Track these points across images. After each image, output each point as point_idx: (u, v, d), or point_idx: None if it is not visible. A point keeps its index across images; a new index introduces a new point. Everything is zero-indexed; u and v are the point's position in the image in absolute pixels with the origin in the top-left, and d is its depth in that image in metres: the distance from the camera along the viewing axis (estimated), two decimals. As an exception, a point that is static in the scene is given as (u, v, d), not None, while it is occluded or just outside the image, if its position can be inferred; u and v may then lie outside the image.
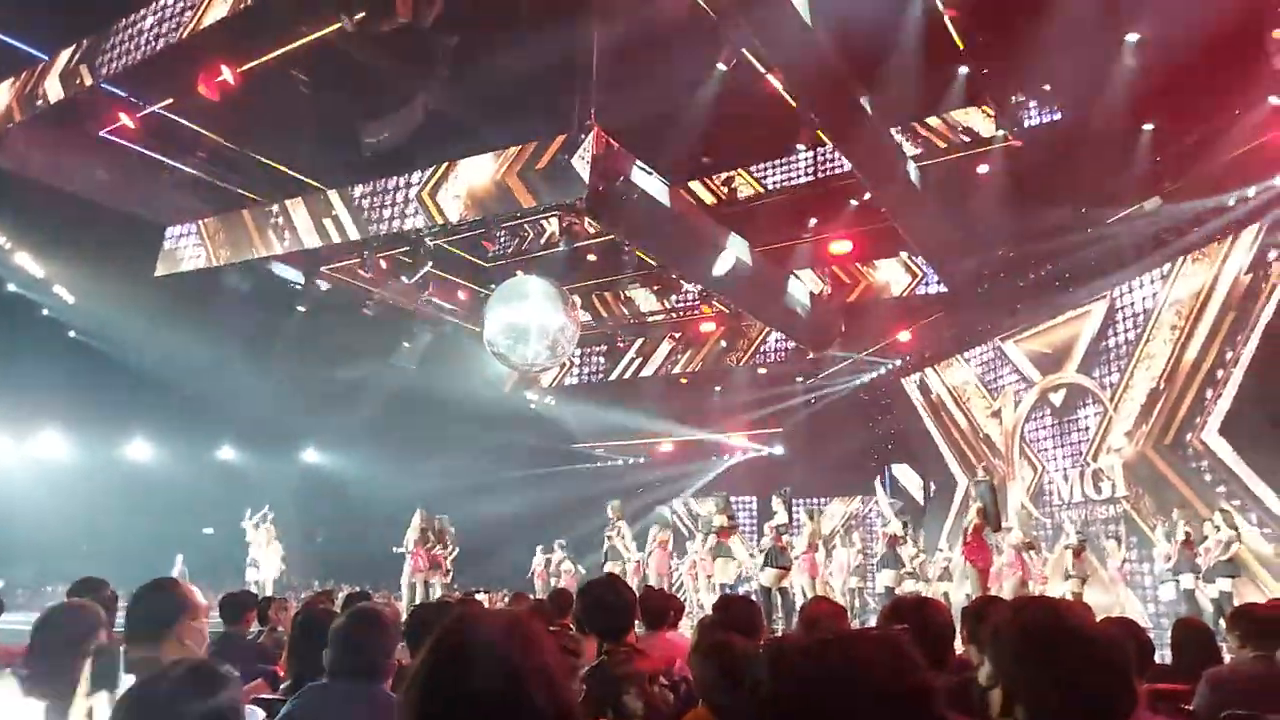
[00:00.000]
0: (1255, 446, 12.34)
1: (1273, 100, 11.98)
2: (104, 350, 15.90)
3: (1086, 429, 15.06)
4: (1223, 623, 9.14)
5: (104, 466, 17.54)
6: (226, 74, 11.83)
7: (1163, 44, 11.58)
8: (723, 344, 18.85)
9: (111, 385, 15.95)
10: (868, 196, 14.73)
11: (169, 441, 18.56)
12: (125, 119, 13.07)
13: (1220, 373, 12.91)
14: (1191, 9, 10.76)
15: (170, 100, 13.11)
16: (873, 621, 5.83)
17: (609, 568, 13.07)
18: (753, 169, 16.69)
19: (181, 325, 15.18)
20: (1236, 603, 10.04)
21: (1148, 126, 13.26)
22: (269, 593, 13.11)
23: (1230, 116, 12.53)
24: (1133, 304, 14.55)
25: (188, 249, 14.96)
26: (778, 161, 16.41)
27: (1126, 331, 14.57)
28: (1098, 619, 4.49)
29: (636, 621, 3.35)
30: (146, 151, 13.91)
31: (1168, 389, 13.68)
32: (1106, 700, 1.44)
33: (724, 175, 16.78)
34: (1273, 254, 12.53)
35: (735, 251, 13.40)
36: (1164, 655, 4.39)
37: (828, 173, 15.82)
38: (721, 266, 13.10)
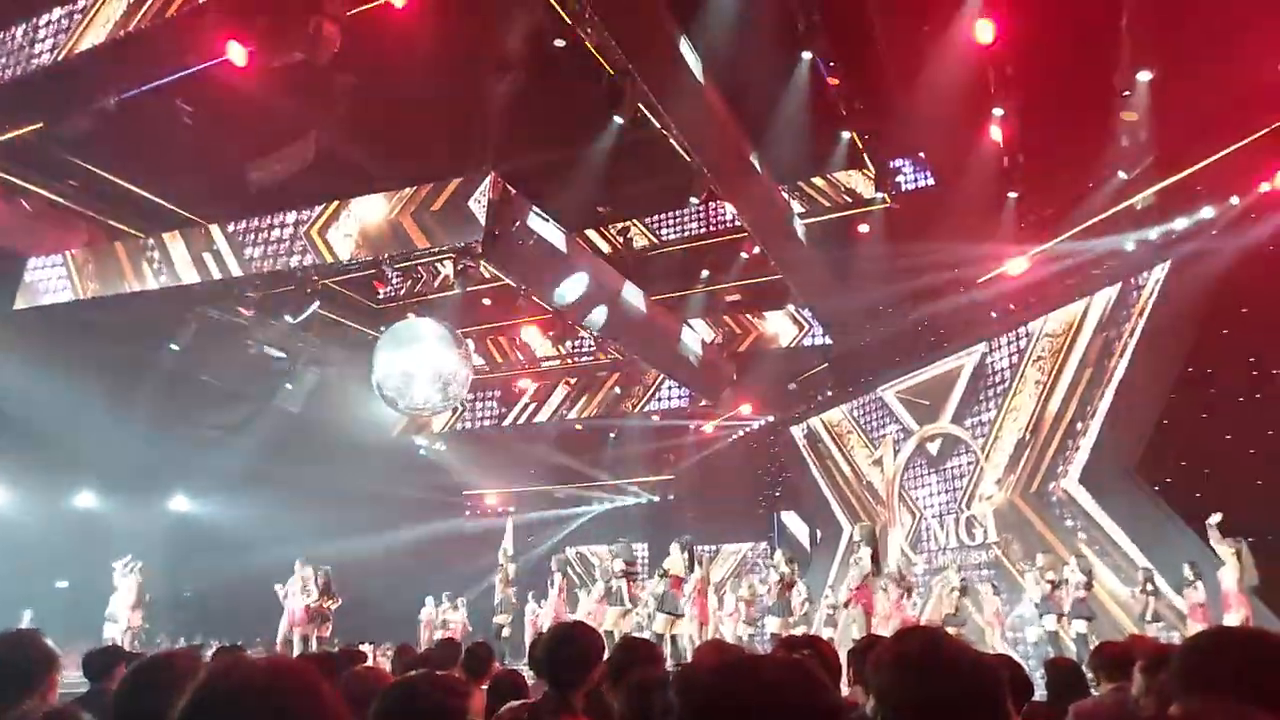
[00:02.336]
0: (1111, 495, 13.20)
1: (1122, 175, 13.09)
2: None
3: (961, 477, 15.78)
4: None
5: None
6: (104, 100, 11.31)
7: (1027, 118, 12.53)
8: (617, 390, 18.95)
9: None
10: (757, 250, 15.23)
11: (20, 486, 17.17)
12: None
13: (1080, 425, 13.81)
14: (1049, 90, 11.73)
15: (39, 124, 12.42)
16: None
17: (502, 619, 12.80)
18: (648, 220, 17.01)
19: (39, 360, 14.18)
20: (1093, 641, 10.66)
21: (1012, 195, 14.23)
22: (127, 648, 12.23)
23: (1085, 188, 13.62)
24: (1000, 359, 15.45)
25: (51, 281, 14.10)
26: (673, 213, 16.79)
27: (995, 385, 15.44)
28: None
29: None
30: (8, 176, 13.09)
31: (1033, 440, 14.52)
32: None
33: (620, 225, 17.05)
34: (1124, 313, 13.57)
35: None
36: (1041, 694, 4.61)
37: (720, 226, 16.29)
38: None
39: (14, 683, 2.32)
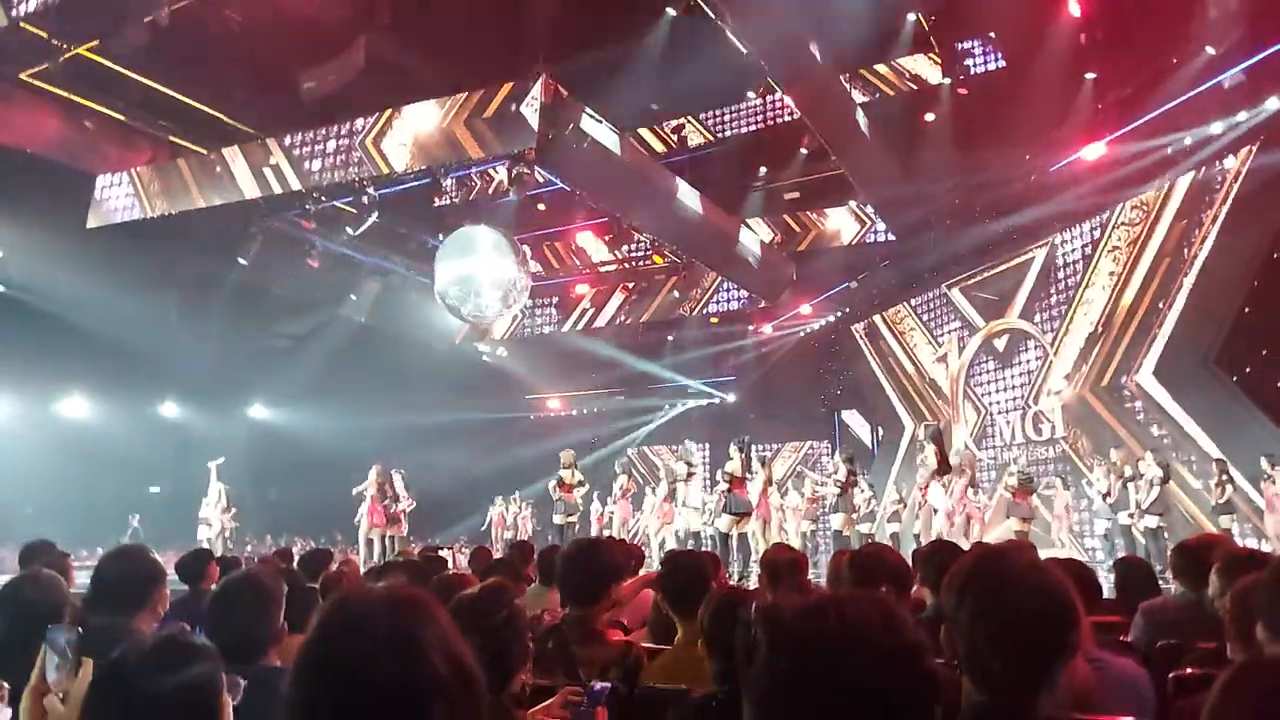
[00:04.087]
0: (1187, 388, 12.85)
1: (1209, 50, 12.21)
2: (36, 304, 15.31)
3: (1028, 372, 15.50)
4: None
5: (42, 425, 17.04)
6: (157, 12, 11.28)
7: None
8: (675, 294, 18.87)
9: (46, 340, 15.41)
10: (817, 144, 14.75)
11: (108, 398, 18.04)
12: (46, 62, 12.41)
13: (1155, 317, 13.35)
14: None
15: (95, 41, 12.47)
16: (825, 562, 6.00)
17: (559, 519, 13.18)
18: (703, 116, 16.55)
19: (117, 278, 14.67)
20: (1164, 537, 10.58)
21: (1090, 75, 13.43)
22: (220, 550, 13.01)
23: (1169, 66, 12.76)
24: (1073, 250, 14.91)
25: (120, 199, 14.42)
26: (729, 108, 16.29)
27: (1067, 277, 14.95)
28: (1041, 556, 4.70)
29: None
30: (71, 96, 13.26)
31: (1105, 333, 14.12)
32: (1054, 646, 1.52)
33: (674, 123, 16.63)
34: (1206, 200, 12.91)
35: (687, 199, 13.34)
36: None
37: (778, 120, 15.77)
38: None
39: (127, 598, 2.46)
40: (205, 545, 12.88)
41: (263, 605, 2.39)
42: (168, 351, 16.78)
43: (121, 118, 13.83)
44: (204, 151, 13.78)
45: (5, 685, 1.64)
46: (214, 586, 5.00)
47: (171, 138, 14.30)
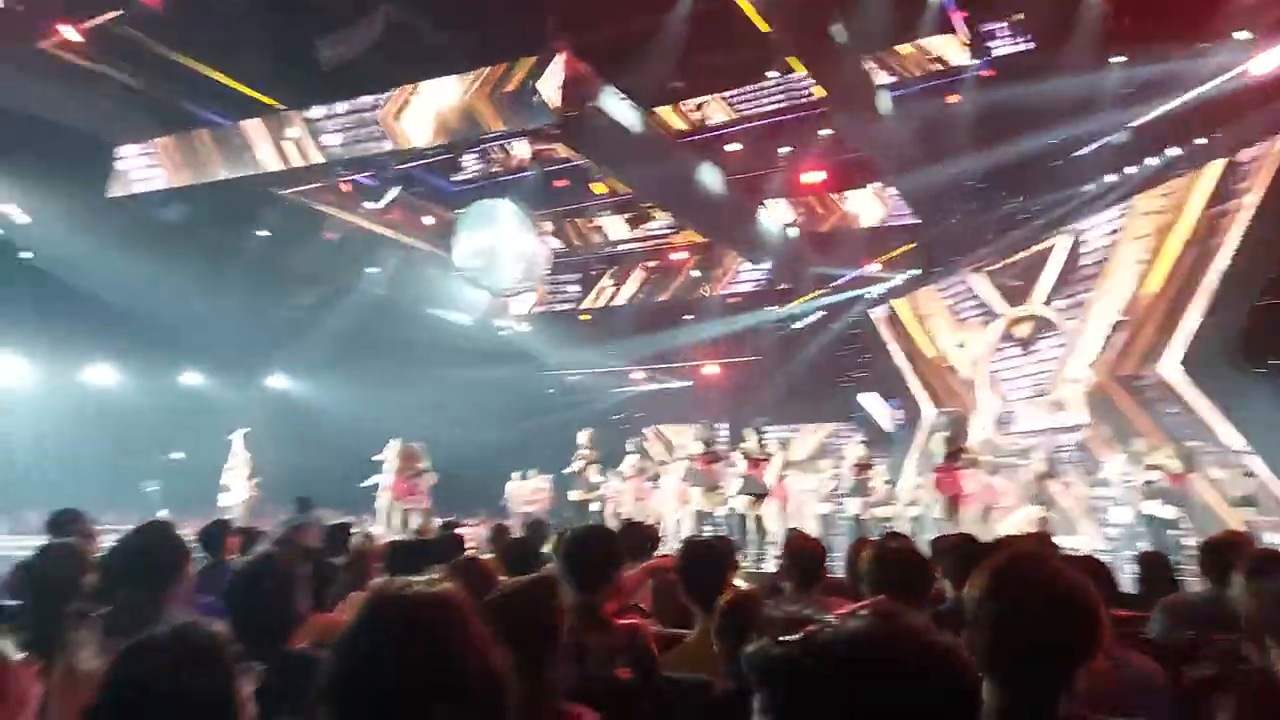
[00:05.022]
0: (1210, 378, 12.70)
1: (1238, 35, 11.96)
2: (60, 273, 15.46)
3: (1050, 360, 15.36)
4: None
5: (67, 392, 17.24)
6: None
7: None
8: (695, 274, 18.81)
9: (69, 308, 15.55)
10: (839, 126, 14.60)
11: (132, 366, 18.24)
12: (66, 30, 12.44)
13: (1180, 306, 13.18)
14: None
15: (118, 11, 12.49)
16: (842, 547, 6.02)
17: (577, 496, 13.23)
18: (724, 95, 16.39)
19: (137, 247, 14.77)
20: (1184, 528, 10.50)
21: (1117, 59, 13.18)
22: (241, 518, 13.16)
23: (1199, 51, 12.50)
24: (1098, 237, 14.71)
25: (141, 169, 14.51)
26: (750, 88, 16.11)
27: (1091, 264, 14.76)
28: (1058, 544, 4.68)
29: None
30: (92, 66, 13.28)
31: (1129, 322, 13.95)
32: (1082, 653, 1.52)
33: (695, 101, 16.48)
34: (1236, 188, 12.69)
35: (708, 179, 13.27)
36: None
37: (800, 101, 15.59)
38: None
39: (156, 575, 2.49)
40: (227, 513, 13.06)
41: (285, 591, 2.43)
42: (189, 321, 16.92)
43: (143, 88, 13.86)
44: (225, 123, 13.81)
45: (37, 664, 1.65)
46: (234, 559, 5.10)
47: (194, 108, 14.32)
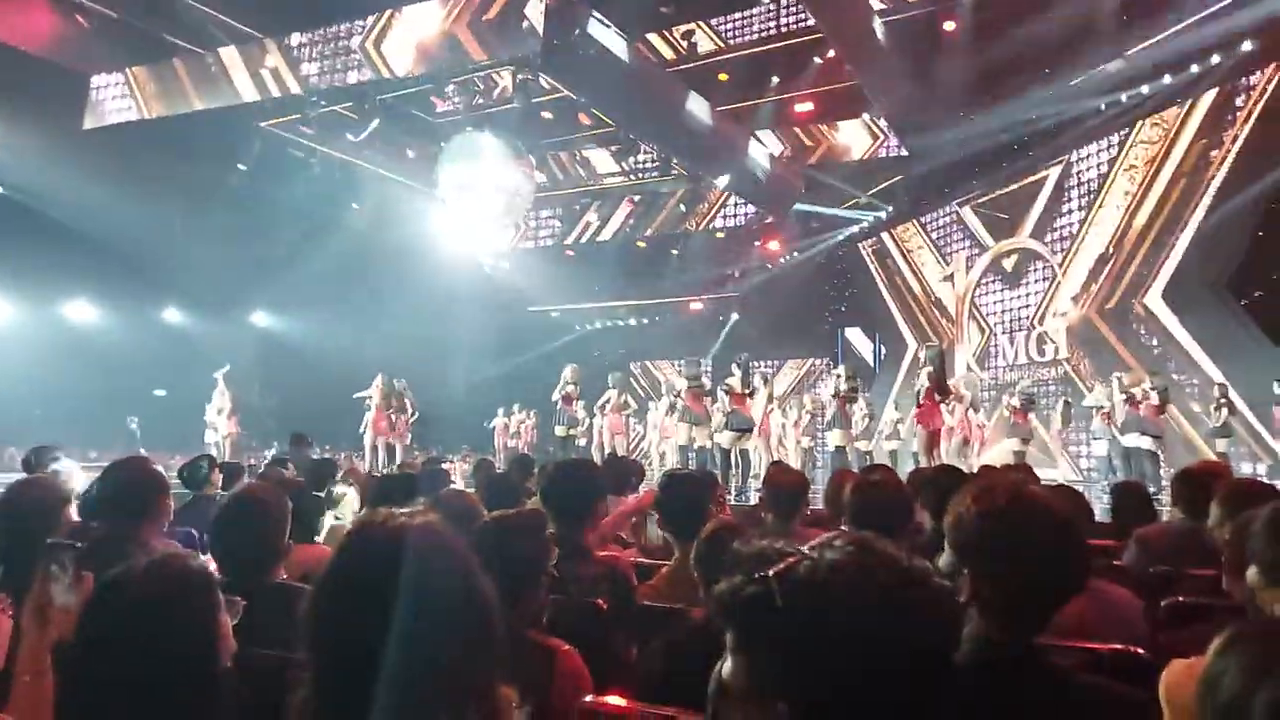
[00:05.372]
0: (1194, 311, 12.78)
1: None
2: (36, 207, 15.14)
3: (1036, 293, 15.39)
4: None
5: (47, 328, 17.06)
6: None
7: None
8: (681, 208, 18.61)
9: (47, 243, 15.28)
10: (831, 54, 14.29)
11: (112, 302, 18.02)
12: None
13: (1168, 238, 13.17)
14: None
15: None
16: (822, 479, 6.07)
17: (561, 431, 13.28)
18: (714, 22, 15.98)
19: (114, 180, 14.46)
20: (1161, 460, 10.65)
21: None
22: (227, 454, 13.18)
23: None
24: (1089, 169, 14.61)
25: (116, 100, 14.12)
26: (741, 14, 15.71)
27: (1081, 197, 14.69)
28: (1040, 480, 4.72)
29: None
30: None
31: (1115, 254, 13.95)
32: (1069, 582, 1.52)
33: (684, 28, 16.06)
34: (1228, 118, 12.57)
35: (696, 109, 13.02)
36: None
37: (791, 27, 15.23)
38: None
39: (132, 508, 2.49)
40: (212, 449, 13.07)
41: (268, 525, 2.43)
42: (170, 257, 16.68)
43: (115, 15, 13.39)
44: (201, 51, 13.40)
45: (7, 597, 1.65)
46: (218, 495, 5.10)
47: (168, 36, 13.87)
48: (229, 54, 13.15)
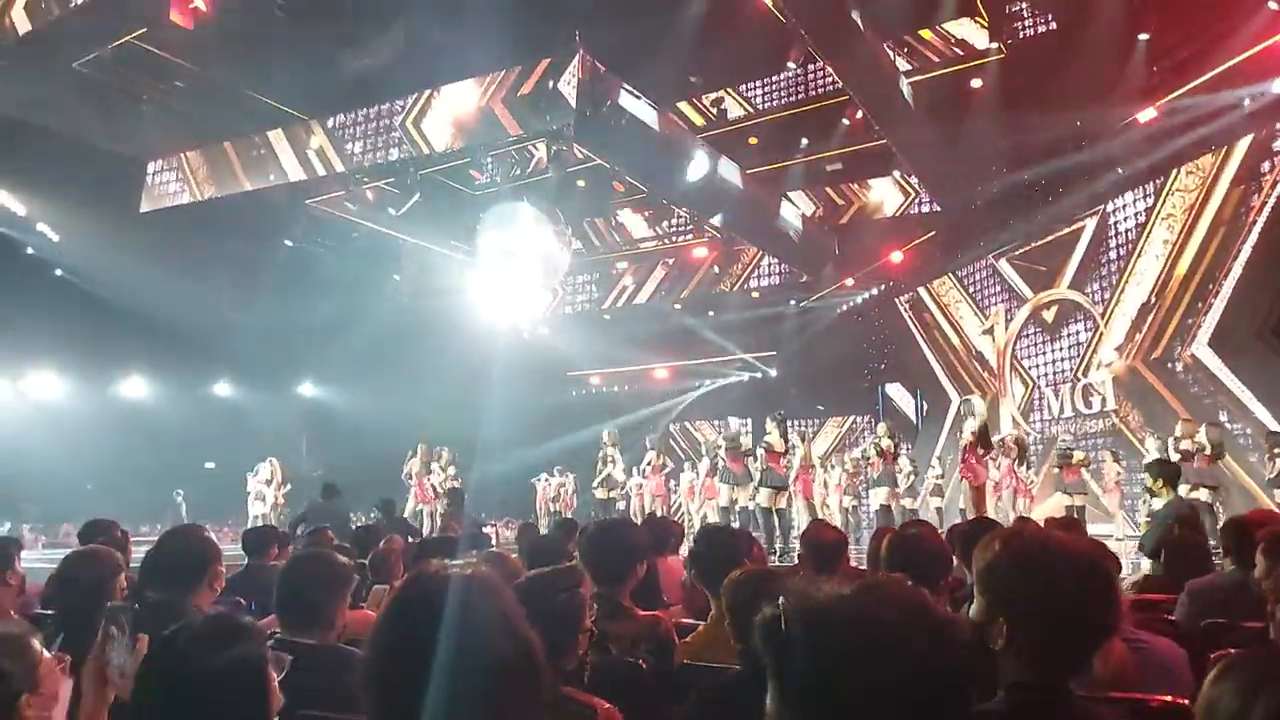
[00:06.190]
0: (1243, 358, 12.48)
1: (1272, 5, 11.72)
2: (92, 288, 15.77)
3: (1078, 344, 15.17)
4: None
5: (101, 405, 17.58)
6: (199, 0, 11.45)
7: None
8: (716, 270, 18.79)
9: (102, 323, 15.86)
10: (860, 115, 14.50)
11: (164, 378, 18.57)
12: (97, 50, 12.66)
13: (1211, 286, 12.96)
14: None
15: (143, 29, 12.69)
16: (867, 539, 5.99)
17: (601, 494, 13.28)
18: (742, 88, 16.35)
19: (169, 261, 15.04)
20: (1219, 511, 10.32)
21: (1143, 36, 12.99)
22: (273, 522, 13.34)
23: (1227, 25, 12.28)
24: (1126, 219, 14.51)
25: (171, 184, 14.75)
26: (768, 80, 16.06)
27: (1119, 246, 14.56)
28: (1092, 533, 4.63)
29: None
30: (120, 83, 13.52)
31: (1158, 303, 13.75)
32: (1100, 623, 1.52)
33: (713, 96, 16.46)
34: (1266, 165, 12.45)
35: (711, 165, 13.18)
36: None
37: (819, 91, 15.52)
38: (695, 173, 12.90)
39: (184, 575, 2.57)
40: (259, 520, 13.26)
41: (334, 584, 2.49)
42: (220, 332, 17.20)
43: (170, 103, 14.09)
44: (249, 135, 14.00)
45: (68, 658, 1.72)
46: (275, 564, 5.18)
47: (219, 122, 14.53)
48: (275, 136, 13.72)
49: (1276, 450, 10.60)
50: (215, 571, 2.77)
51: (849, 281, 18.95)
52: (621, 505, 14.25)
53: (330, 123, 13.26)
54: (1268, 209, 12.29)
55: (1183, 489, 10.76)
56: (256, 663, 1.50)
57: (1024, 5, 14.31)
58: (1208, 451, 10.42)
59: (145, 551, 3.56)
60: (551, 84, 11.19)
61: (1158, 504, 11.73)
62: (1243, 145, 12.73)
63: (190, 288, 15.75)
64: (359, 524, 10.23)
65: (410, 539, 6.22)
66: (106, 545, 3.28)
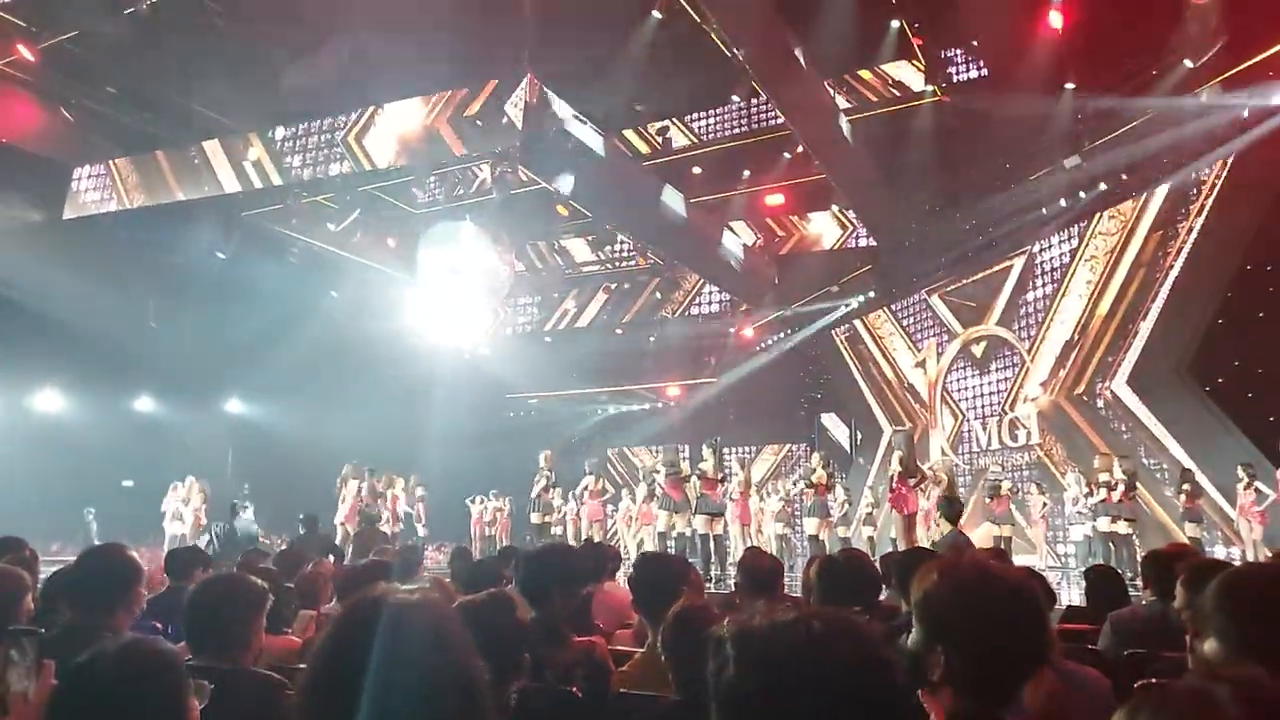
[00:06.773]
0: (1160, 397, 13.01)
1: (1187, 63, 12.37)
2: (10, 296, 15.10)
3: (1005, 379, 15.64)
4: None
5: (13, 418, 16.80)
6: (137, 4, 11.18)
7: (1085, 3, 11.83)
8: (658, 295, 18.90)
9: (15, 332, 15.19)
10: (800, 149, 14.82)
11: (82, 392, 17.78)
12: (24, 50, 12.24)
13: (1130, 326, 13.51)
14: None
15: (74, 31, 12.32)
16: (800, 567, 6.04)
17: (537, 519, 13.16)
18: (687, 118, 16.58)
19: (91, 269, 14.49)
20: (1136, 544, 10.70)
21: (1069, 85, 13.58)
22: (190, 540, 12.86)
23: (1147, 78, 12.92)
24: (1051, 259, 15.06)
25: (97, 190, 14.28)
26: (713, 111, 16.32)
27: (1044, 285, 15.10)
28: (1018, 563, 4.74)
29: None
30: (49, 85, 13.08)
31: (1081, 341, 14.27)
32: (1035, 650, 1.55)
33: (658, 125, 16.65)
34: (1181, 211, 13.07)
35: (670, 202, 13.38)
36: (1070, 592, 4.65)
37: (762, 124, 15.83)
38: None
39: (106, 595, 2.46)
40: (176, 541, 12.78)
41: (250, 605, 2.39)
42: (143, 345, 16.61)
43: (100, 109, 13.67)
44: (183, 145, 13.66)
45: None
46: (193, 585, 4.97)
47: (152, 129, 14.14)
48: (212, 146, 13.41)
49: (1187, 487, 11.05)
50: (137, 593, 2.66)
51: (787, 312, 19.23)
52: (558, 530, 14.12)
53: (269, 135, 13.01)
54: (1184, 254, 12.89)
55: (1102, 522, 11.19)
56: (178, 692, 1.44)
57: (958, 51, 14.85)
58: (1126, 486, 10.82)
59: (54, 571, 3.40)
60: (499, 106, 11.19)
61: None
62: (1161, 192, 13.36)
63: (113, 298, 15.18)
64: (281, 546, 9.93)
65: (332, 558, 6.07)
66: (13, 564, 3.12)
